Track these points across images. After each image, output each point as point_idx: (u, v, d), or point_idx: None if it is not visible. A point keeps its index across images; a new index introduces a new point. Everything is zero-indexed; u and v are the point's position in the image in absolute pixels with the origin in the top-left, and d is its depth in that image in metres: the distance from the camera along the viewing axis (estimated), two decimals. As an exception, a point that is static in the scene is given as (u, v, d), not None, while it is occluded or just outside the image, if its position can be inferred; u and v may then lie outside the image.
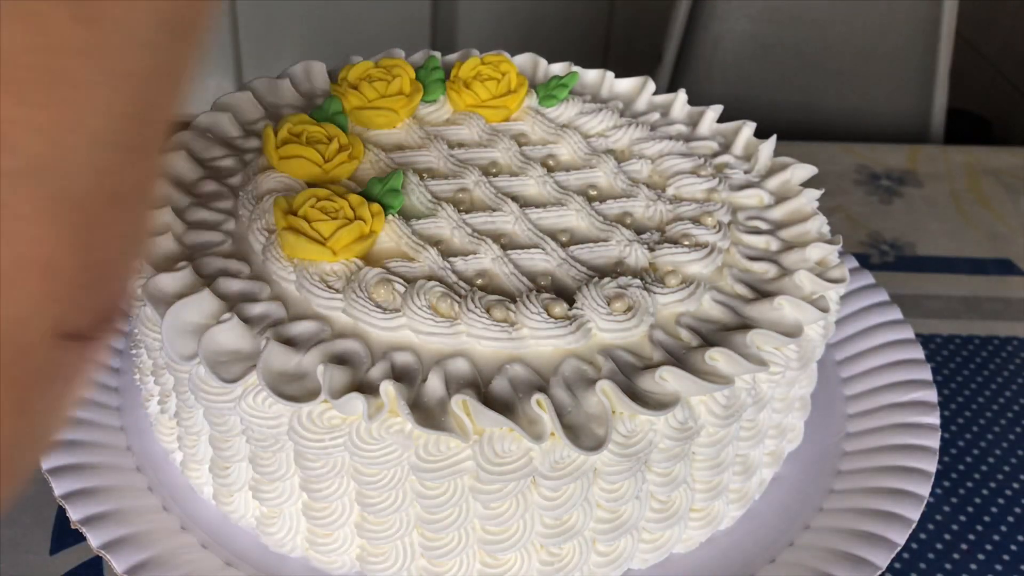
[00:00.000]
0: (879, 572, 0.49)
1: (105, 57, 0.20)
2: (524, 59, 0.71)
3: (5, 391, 0.21)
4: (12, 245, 0.19)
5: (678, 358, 0.47)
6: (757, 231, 0.56)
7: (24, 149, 0.19)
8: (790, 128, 0.83)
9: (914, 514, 0.52)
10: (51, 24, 0.19)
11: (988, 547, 0.60)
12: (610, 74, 0.70)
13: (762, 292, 0.51)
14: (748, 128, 0.65)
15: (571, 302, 0.48)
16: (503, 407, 0.43)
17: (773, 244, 0.55)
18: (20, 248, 0.19)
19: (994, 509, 0.63)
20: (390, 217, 0.53)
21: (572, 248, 0.53)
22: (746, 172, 0.61)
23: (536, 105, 0.65)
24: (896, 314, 0.66)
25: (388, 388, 0.43)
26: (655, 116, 0.66)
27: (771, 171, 0.62)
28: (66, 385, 0.23)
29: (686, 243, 0.53)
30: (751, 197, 0.59)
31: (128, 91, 0.21)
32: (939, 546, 0.60)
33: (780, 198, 0.59)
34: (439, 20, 2.00)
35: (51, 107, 0.19)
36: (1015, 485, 0.64)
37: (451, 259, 0.51)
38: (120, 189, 0.22)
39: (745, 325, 0.49)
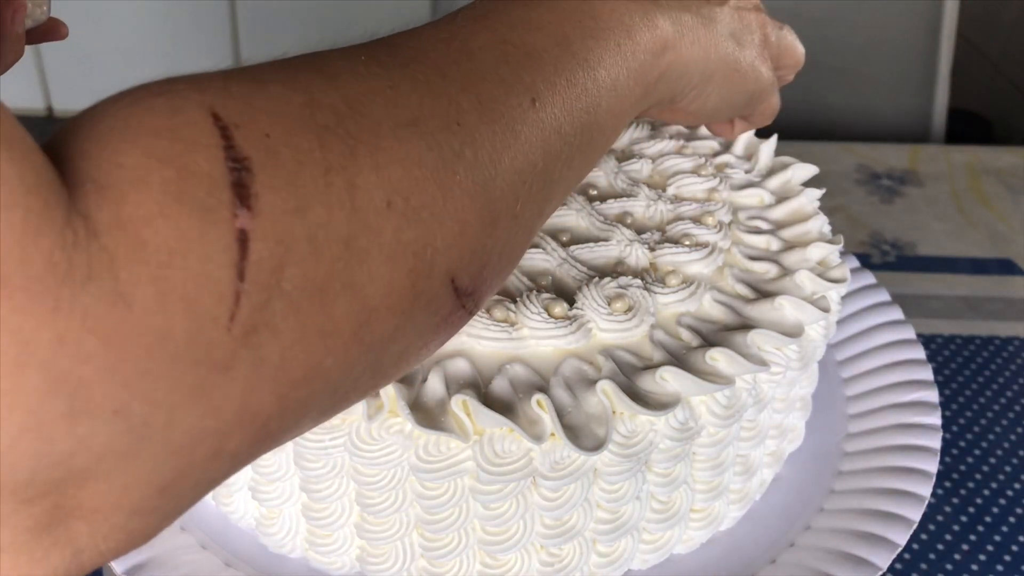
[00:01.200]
0: (880, 573, 0.49)
1: (537, 129, 0.32)
2: (524, 59, 0.71)
3: (407, 291, 0.27)
4: (447, 192, 0.29)
5: (678, 358, 0.47)
6: (758, 231, 0.56)
7: (475, 146, 0.29)
8: (790, 128, 0.83)
9: (915, 515, 0.52)
10: (517, 96, 0.32)
11: (989, 548, 0.60)
12: (610, 74, 0.70)
13: (763, 292, 0.51)
14: (749, 128, 0.64)
15: (571, 302, 0.48)
16: (503, 407, 0.43)
17: (774, 244, 0.55)
18: (451, 198, 0.29)
19: (995, 510, 0.63)
20: (390, 217, 0.53)
21: (572, 248, 0.53)
22: (747, 172, 0.61)
23: (536, 105, 0.64)
24: (897, 314, 0.66)
25: (388, 388, 0.43)
26: (655, 116, 0.66)
27: (772, 171, 0.61)
28: (430, 328, 0.30)
29: (687, 243, 0.53)
30: (752, 197, 0.59)
31: (542, 156, 0.33)
32: (940, 547, 0.60)
33: (781, 198, 0.59)
34: (439, 20, 2.00)
35: (499, 137, 0.31)
36: (1016, 486, 0.64)
37: (451, 259, 0.51)
38: (516, 215, 0.32)
39: (746, 325, 0.49)
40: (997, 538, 0.61)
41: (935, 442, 0.56)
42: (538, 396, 0.43)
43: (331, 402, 0.28)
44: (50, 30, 0.49)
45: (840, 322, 0.63)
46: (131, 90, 0.25)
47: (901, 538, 0.51)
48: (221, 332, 0.23)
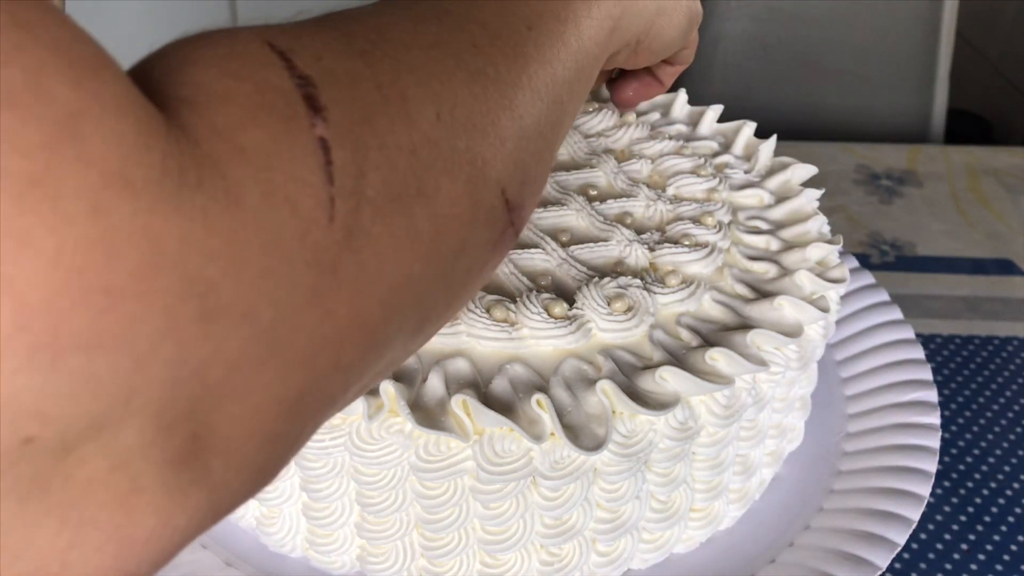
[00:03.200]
0: (879, 572, 0.49)
1: (543, 51, 0.36)
2: (524, 59, 0.71)
3: (468, 201, 0.30)
4: (487, 110, 0.31)
5: (678, 358, 0.47)
6: (757, 231, 0.56)
7: (498, 72, 0.32)
8: (790, 128, 0.83)
9: (914, 514, 0.52)
10: (516, 24, 0.35)
11: (988, 547, 0.60)
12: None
13: (762, 292, 0.51)
14: (748, 128, 0.65)
15: (571, 302, 0.48)
16: (503, 407, 0.43)
17: (773, 244, 0.55)
18: (487, 114, 0.31)
19: (994, 509, 0.63)
20: (390, 217, 0.53)
21: (572, 248, 0.53)
22: (746, 172, 0.61)
23: (536, 105, 0.65)
24: (896, 314, 0.66)
25: (388, 388, 0.43)
26: (655, 116, 0.66)
27: (771, 171, 0.62)
28: (489, 243, 0.32)
29: (686, 243, 0.53)
30: (751, 197, 0.59)
31: (550, 80, 0.35)
32: (939, 546, 0.60)
33: (780, 198, 0.59)
34: (439, 20, 2.00)
35: (513, 60, 0.34)
36: (1015, 485, 0.64)
37: (451, 259, 0.51)
38: (545, 141, 0.35)
39: (745, 325, 0.49)
40: (996, 537, 0.61)
41: (934, 442, 0.57)
42: (538, 396, 0.43)
43: (419, 317, 0.30)
44: None
45: (839, 322, 0.63)
46: (184, 37, 0.26)
47: (900, 537, 0.51)
48: (324, 234, 0.24)
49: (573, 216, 0.55)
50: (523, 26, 0.35)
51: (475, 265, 0.32)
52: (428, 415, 0.43)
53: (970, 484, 0.64)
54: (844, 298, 0.59)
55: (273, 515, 0.50)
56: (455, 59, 0.30)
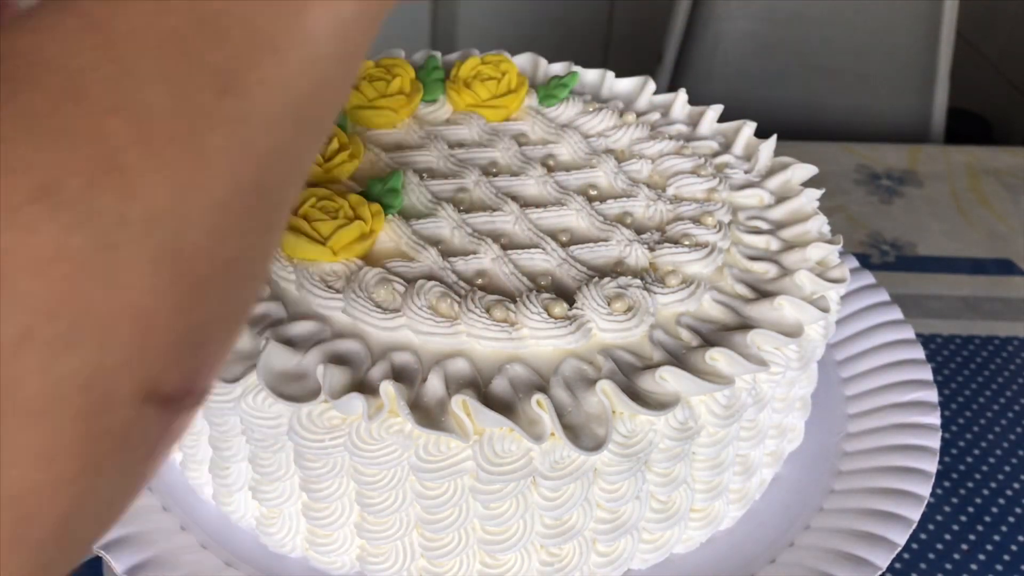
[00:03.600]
0: (879, 572, 0.49)
1: (240, 130, 0.22)
2: (524, 59, 0.71)
3: (79, 444, 0.19)
4: (111, 289, 0.19)
5: (678, 358, 0.47)
6: (757, 231, 0.56)
7: (145, 197, 0.20)
8: (790, 128, 0.83)
9: (914, 514, 0.52)
10: (198, 93, 0.21)
11: (988, 547, 0.60)
12: (610, 74, 0.70)
13: (762, 292, 0.51)
14: (748, 128, 0.64)
15: (571, 302, 0.48)
16: (503, 407, 0.43)
17: (773, 244, 0.55)
18: (119, 293, 0.19)
19: (994, 509, 0.63)
20: (390, 217, 0.53)
21: (572, 248, 0.53)
22: (746, 172, 0.61)
23: (536, 105, 0.65)
24: (896, 314, 0.66)
25: (388, 388, 0.43)
26: (655, 116, 0.66)
27: (771, 171, 0.62)
28: (142, 456, 0.21)
29: (686, 243, 0.53)
30: (751, 197, 0.59)
31: (254, 165, 0.22)
32: (939, 546, 0.60)
33: (780, 198, 0.59)
34: (439, 20, 2.00)
35: (181, 165, 0.20)
36: (1015, 485, 0.64)
37: (451, 259, 0.51)
38: (232, 258, 0.22)
39: (745, 325, 0.49)
40: (996, 537, 0.61)
41: (934, 442, 0.56)
42: (538, 396, 0.43)
43: None
44: None
45: (839, 322, 0.63)
46: None
47: (900, 538, 0.51)
48: None
49: (573, 216, 0.55)
50: (210, 93, 0.21)
51: (119, 492, 0.22)
52: (428, 415, 0.43)
53: (970, 484, 0.64)
54: (844, 298, 0.59)
55: (273, 515, 0.50)
56: (71, 214, 0.19)
